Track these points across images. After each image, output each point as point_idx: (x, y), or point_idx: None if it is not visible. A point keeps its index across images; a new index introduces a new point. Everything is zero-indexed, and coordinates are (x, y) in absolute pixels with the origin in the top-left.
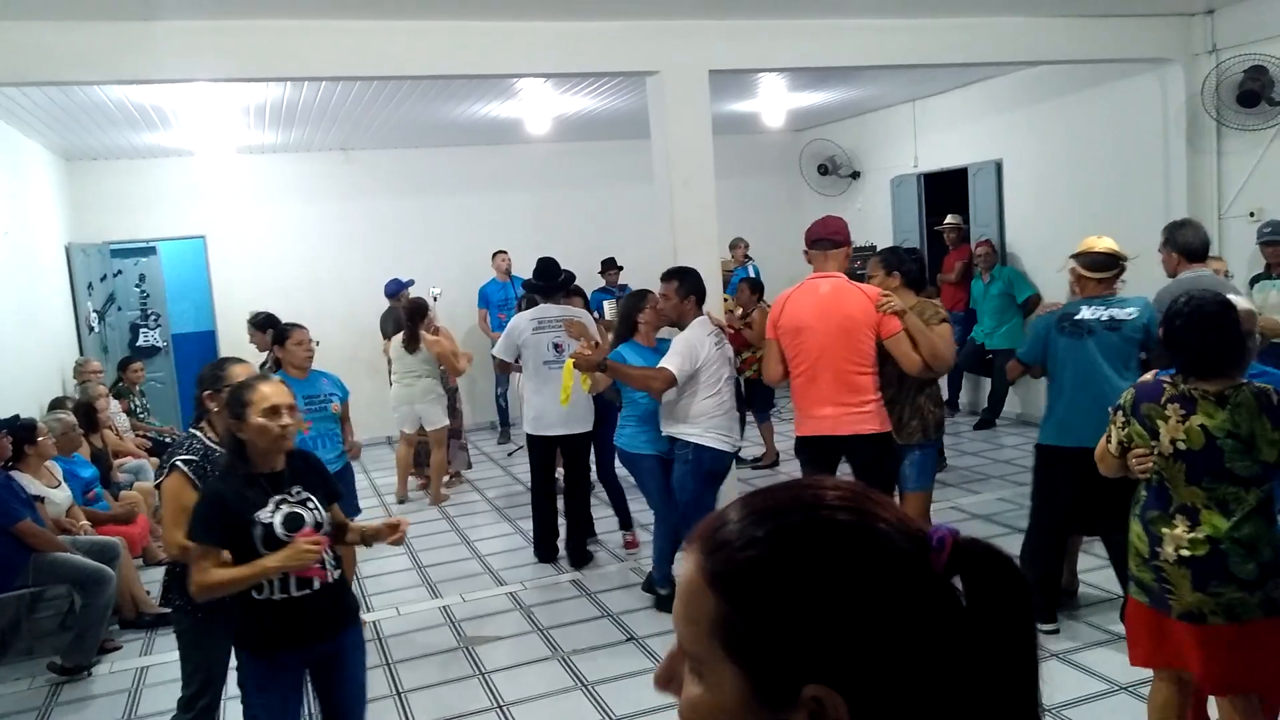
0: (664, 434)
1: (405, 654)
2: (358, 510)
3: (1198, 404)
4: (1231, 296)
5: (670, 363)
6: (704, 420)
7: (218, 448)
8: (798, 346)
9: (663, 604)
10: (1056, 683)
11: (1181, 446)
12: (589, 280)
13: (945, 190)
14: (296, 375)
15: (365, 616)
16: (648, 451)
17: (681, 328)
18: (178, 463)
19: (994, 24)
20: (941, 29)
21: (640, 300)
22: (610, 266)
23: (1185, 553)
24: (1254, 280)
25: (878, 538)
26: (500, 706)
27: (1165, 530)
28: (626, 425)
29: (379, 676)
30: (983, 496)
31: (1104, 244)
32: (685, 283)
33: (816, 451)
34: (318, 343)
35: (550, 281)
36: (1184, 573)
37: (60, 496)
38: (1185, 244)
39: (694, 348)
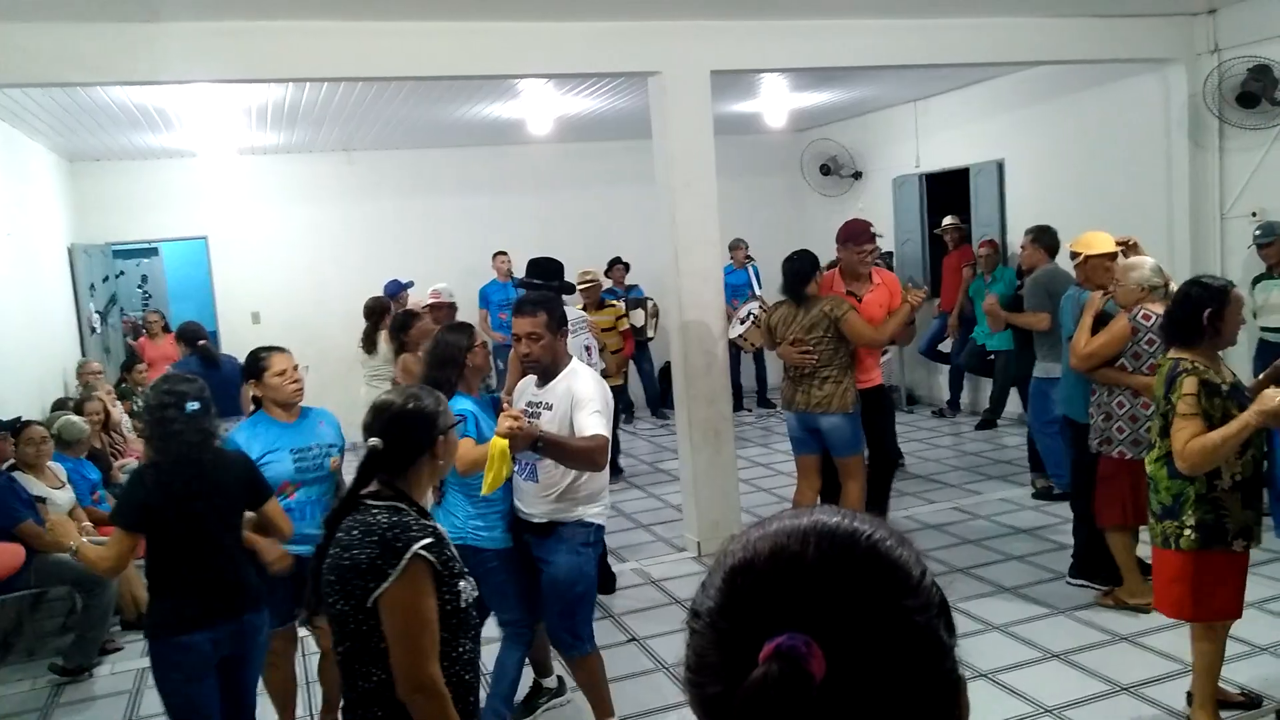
0: (553, 519)
1: None
2: None
3: (1157, 370)
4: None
5: (597, 425)
6: (606, 495)
7: None
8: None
9: None
10: (1058, 683)
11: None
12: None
13: (947, 190)
14: (283, 418)
15: None
16: (501, 546)
17: (550, 374)
18: None
19: (996, 24)
20: (943, 29)
21: (469, 339)
22: (616, 264)
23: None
24: (1256, 280)
25: None
26: None
27: None
28: (481, 517)
29: None
30: (984, 497)
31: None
32: (555, 314)
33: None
34: (306, 368)
35: (559, 282)
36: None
37: (63, 498)
38: (1049, 244)
39: (608, 402)
